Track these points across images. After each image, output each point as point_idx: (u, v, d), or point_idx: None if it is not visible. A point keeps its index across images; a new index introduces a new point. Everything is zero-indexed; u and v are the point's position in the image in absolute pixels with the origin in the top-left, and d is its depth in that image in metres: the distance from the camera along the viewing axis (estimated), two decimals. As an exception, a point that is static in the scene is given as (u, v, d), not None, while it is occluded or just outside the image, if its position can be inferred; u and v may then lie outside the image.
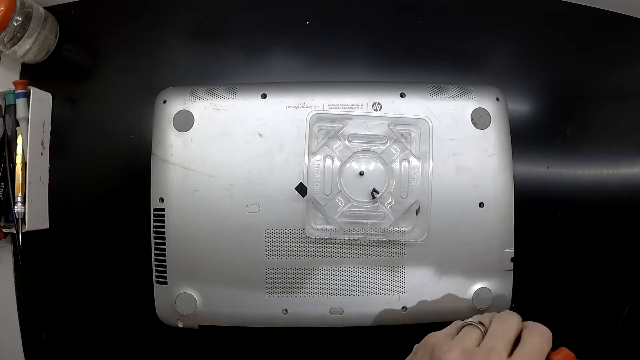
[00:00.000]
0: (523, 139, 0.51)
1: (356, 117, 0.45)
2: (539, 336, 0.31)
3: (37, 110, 0.52)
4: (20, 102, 0.51)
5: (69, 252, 0.54)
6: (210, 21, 0.54)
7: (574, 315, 0.51)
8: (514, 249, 0.45)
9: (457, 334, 0.34)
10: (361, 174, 0.44)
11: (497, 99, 0.46)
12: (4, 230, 0.51)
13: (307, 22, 0.54)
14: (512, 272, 0.45)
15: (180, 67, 0.55)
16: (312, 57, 0.54)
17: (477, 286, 0.45)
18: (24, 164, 0.51)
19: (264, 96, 0.46)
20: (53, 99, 0.54)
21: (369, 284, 0.45)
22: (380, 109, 0.45)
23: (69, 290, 0.54)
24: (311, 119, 0.44)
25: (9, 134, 0.52)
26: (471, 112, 0.46)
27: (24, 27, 0.50)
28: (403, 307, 0.45)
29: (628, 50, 0.53)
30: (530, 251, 0.50)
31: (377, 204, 0.44)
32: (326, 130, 0.45)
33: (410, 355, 0.35)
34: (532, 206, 0.50)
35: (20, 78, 0.55)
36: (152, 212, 0.46)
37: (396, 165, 0.45)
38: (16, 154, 0.51)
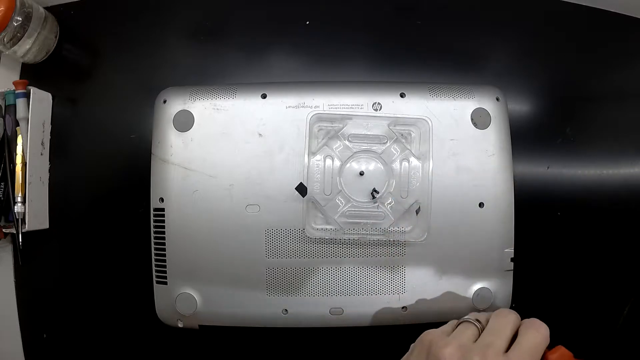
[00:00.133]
0: (523, 139, 0.51)
1: (356, 117, 0.45)
2: (535, 332, 0.32)
3: (37, 110, 0.52)
4: (20, 102, 0.51)
5: (69, 252, 0.54)
6: (210, 21, 0.54)
7: (573, 315, 0.51)
8: (514, 249, 0.45)
9: (454, 331, 0.34)
10: (361, 174, 0.44)
11: (497, 99, 0.46)
12: (4, 230, 0.51)
13: (307, 22, 0.54)
14: (512, 272, 0.45)
15: (180, 67, 0.55)
16: (312, 57, 0.54)
17: (477, 286, 0.45)
18: (24, 164, 0.51)
19: (264, 96, 0.46)
20: (53, 99, 0.54)
21: (369, 284, 0.45)
22: (380, 109, 0.45)
23: (69, 290, 0.54)
24: (311, 119, 0.44)
25: (9, 134, 0.52)
26: (471, 112, 0.46)
27: (24, 27, 0.50)
28: (403, 307, 0.45)
29: (628, 50, 0.53)
30: (530, 251, 0.50)
31: (377, 204, 0.44)
32: (326, 130, 0.45)
33: (407, 354, 0.35)
34: (532, 206, 0.50)
35: (20, 78, 0.55)
36: (152, 212, 0.46)
37: (396, 165, 0.45)
38: (16, 154, 0.51)
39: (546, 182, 0.52)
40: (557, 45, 0.53)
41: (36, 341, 0.54)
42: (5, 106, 0.52)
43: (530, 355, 0.30)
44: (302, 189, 0.44)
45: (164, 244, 0.45)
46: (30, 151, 0.51)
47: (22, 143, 0.51)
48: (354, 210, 0.44)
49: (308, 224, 0.44)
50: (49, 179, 0.54)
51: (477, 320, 0.34)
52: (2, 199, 0.51)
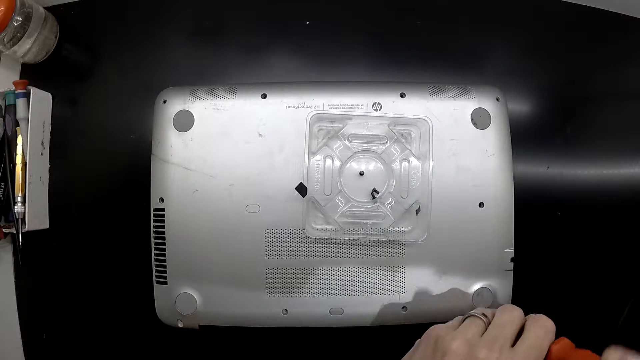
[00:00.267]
0: (523, 139, 0.51)
1: (356, 117, 0.45)
2: (541, 327, 0.32)
3: (37, 110, 0.52)
4: (20, 102, 0.51)
5: (69, 252, 0.54)
6: (210, 21, 0.55)
7: (574, 315, 0.51)
8: (514, 249, 0.45)
9: (460, 326, 0.34)
10: (361, 174, 0.44)
11: (497, 99, 0.46)
12: (4, 230, 0.51)
13: (307, 22, 0.54)
14: (512, 272, 0.45)
15: (180, 67, 0.55)
16: (312, 57, 0.54)
17: (477, 286, 0.45)
18: (24, 164, 0.51)
19: (264, 96, 0.46)
20: (53, 99, 0.54)
21: (369, 284, 0.45)
22: (380, 109, 0.45)
23: (69, 290, 0.54)
24: (311, 119, 0.44)
25: (9, 134, 0.52)
26: (471, 112, 0.46)
27: (24, 27, 0.50)
28: (403, 307, 0.45)
29: (628, 50, 0.53)
30: (530, 251, 0.50)
31: (377, 204, 0.44)
32: (326, 130, 0.45)
33: (411, 350, 0.35)
34: (532, 206, 0.50)
35: (20, 78, 0.55)
36: (152, 212, 0.46)
37: (396, 165, 0.45)
38: (16, 154, 0.51)
39: (546, 182, 0.52)
40: (557, 45, 0.53)
41: (36, 341, 0.54)
42: (5, 106, 0.52)
43: (537, 349, 0.31)
44: (302, 189, 0.44)
45: (164, 244, 0.45)
46: (30, 151, 0.51)
47: (22, 143, 0.51)
48: (354, 210, 0.44)
49: (308, 224, 0.44)
50: (49, 179, 0.54)
51: (484, 315, 0.34)
52: (2, 199, 0.51)
